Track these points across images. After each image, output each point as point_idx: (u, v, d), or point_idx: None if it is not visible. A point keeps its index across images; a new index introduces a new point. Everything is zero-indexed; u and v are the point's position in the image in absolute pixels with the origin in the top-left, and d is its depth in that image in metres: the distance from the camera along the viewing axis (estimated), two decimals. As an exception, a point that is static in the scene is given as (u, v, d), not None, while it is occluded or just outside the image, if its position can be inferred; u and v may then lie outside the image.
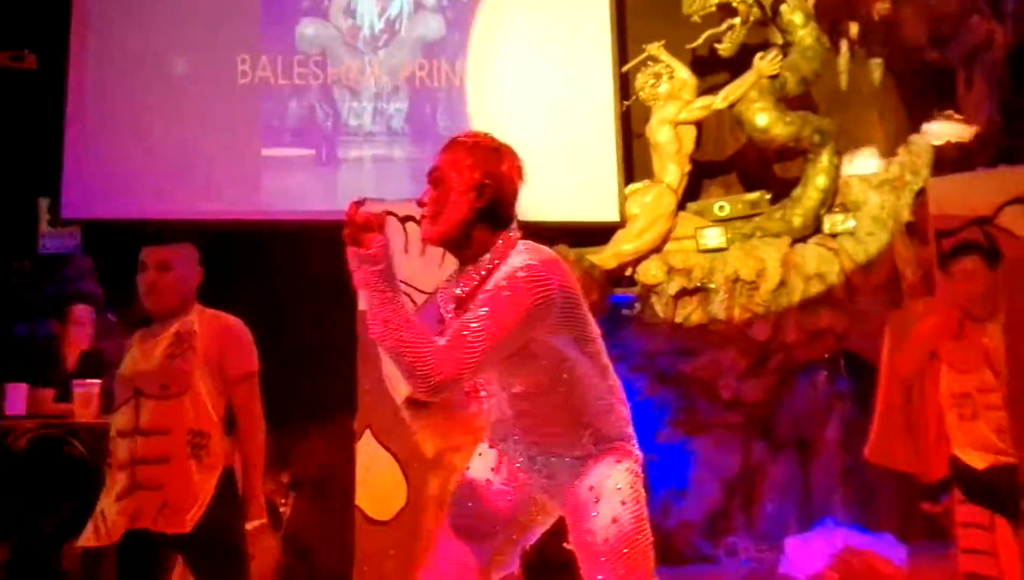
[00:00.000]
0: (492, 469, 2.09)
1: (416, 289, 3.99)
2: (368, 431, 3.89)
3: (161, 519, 2.57)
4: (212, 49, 5.06)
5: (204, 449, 2.60)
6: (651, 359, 4.87)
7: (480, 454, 2.14)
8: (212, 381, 2.63)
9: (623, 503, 1.95)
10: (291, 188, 5.02)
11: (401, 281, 4.17)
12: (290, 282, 4.28)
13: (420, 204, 2.00)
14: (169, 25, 5.05)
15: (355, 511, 3.83)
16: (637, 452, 2.04)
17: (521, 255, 1.93)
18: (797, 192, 5.16)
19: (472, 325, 1.83)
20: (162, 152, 4.90)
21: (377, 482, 3.80)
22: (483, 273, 1.94)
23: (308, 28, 5.22)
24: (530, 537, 2.14)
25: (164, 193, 4.84)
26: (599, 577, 1.94)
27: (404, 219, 4.03)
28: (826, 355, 4.89)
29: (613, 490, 1.96)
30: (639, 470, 2.02)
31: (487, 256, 1.96)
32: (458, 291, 1.98)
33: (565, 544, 2.06)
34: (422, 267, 3.93)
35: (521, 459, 2.07)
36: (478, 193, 1.95)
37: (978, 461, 3.06)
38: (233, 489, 2.68)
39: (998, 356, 3.01)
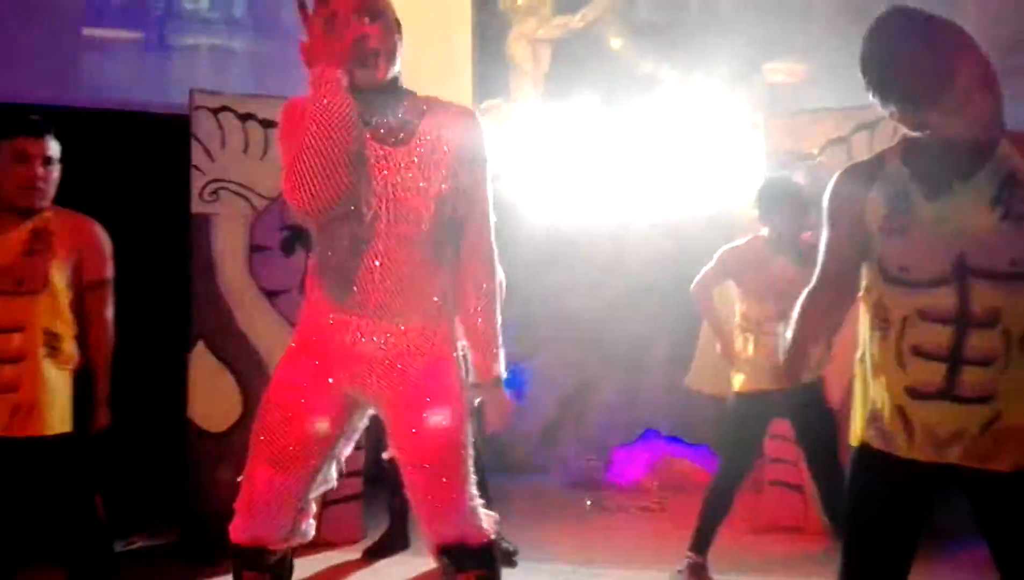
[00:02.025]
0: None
1: (256, 193, 3.79)
2: (201, 342, 3.71)
3: (15, 423, 2.48)
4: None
5: (59, 350, 2.55)
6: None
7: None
8: (68, 282, 2.58)
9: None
10: (115, 74, 4.56)
11: (241, 184, 3.98)
12: (114, 180, 3.92)
13: (367, 36, 1.88)
14: None
15: (187, 422, 3.68)
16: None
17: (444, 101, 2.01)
18: (645, 118, 5.27)
19: None
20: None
21: (211, 394, 3.66)
22: (424, 107, 1.97)
23: None
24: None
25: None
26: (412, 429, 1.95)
27: (244, 117, 3.78)
28: (659, 278, 5.11)
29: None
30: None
31: (408, 91, 2.00)
32: (391, 116, 1.95)
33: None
34: (262, 169, 3.73)
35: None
36: (400, 30, 1.99)
37: (753, 383, 3.30)
38: (88, 392, 2.63)
39: (782, 285, 3.23)
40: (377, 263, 1.92)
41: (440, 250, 1.99)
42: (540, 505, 4.57)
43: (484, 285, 2.02)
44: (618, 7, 5.14)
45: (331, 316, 1.96)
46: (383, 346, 1.95)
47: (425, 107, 1.99)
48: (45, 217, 2.59)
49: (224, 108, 3.77)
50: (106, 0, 4.61)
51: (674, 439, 4.99)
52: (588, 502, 4.58)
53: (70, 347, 2.59)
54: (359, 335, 1.94)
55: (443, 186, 1.95)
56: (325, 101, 1.80)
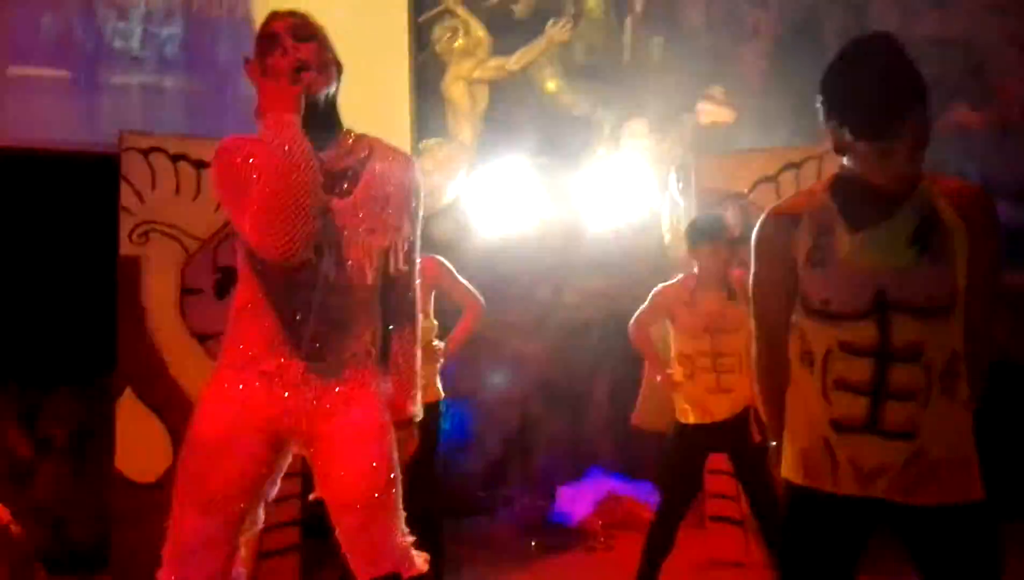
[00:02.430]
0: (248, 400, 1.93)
1: (188, 234, 3.70)
2: (129, 389, 3.59)
3: None
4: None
5: None
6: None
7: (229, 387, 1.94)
8: None
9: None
10: (42, 113, 4.43)
11: (172, 225, 3.89)
12: (40, 221, 3.80)
13: (299, 56, 1.87)
14: None
15: (115, 474, 3.53)
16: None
17: (384, 144, 2.02)
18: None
19: None
20: None
21: (139, 443, 3.52)
22: (365, 152, 1.97)
23: (66, -69, 4.60)
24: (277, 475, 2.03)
25: None
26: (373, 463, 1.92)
27: (175, 157, 3.71)
28: (599, 315, 5.16)
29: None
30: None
31: (350, 132, 1.99)
32: (338, 154, 1.94)
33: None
34: (195, 211, 3.65)
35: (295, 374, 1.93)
36: (337, 65, 1.99)
37: (690, 417, 3.37)
38: None
39: (714, 321, 3.33)
40: (311, 311, 1.90)
41: (374, 297, 2.00)
42: (486, 547, 4.50)
43: (409, 328, 2.06)
44: (554, 50, 5.24)
45: (259, 358, 1.92)
46: (313, 389, 1.93)
47: (366, 152, 1.99)
48: None
49: (155, 149, 3.69)
50: (34, 37, 4.49)
51: (618, 476, 5.00)
52: (532, 543, 4.54)
53: None
54: (289, 378, 1.92)
55: (387, 239, 1.97)
56: (286, 147, 1.78)
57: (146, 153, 3.68)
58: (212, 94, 4.76)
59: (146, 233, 3.66)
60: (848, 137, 1.67)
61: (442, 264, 3.47)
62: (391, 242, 1.97)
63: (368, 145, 2.00)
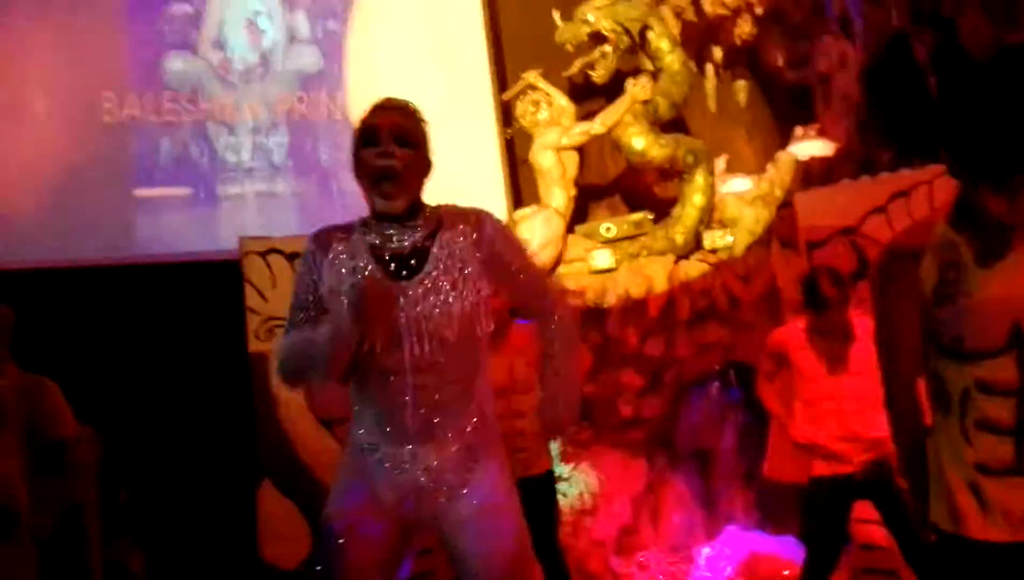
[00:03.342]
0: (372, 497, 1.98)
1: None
2: (267, 480, 3.72)
3: None
4: (73, 86, 4.78)
5: (15, 526, 2.27)
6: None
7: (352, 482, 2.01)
8: (19, 449, 2.35)
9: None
10: (168, 229, 4.77)
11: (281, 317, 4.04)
12: (175, 327, 4.06)
13: (390, 160, 1.93)
14: (25, 60, 4.74)
15: (261, 562, 3.65)
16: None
17: (454, 209, 2.05)
18: (677, 211, 5.34)
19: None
20: (23, 197, 4.57)
21: (281, 531, 3.64)
22: (436, 225, 1.99)
23: (176, 62, 5.02)
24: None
25: (27, 241, 4.50)
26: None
27: (291, 256, 3.91)
28: (716, 367, 5.05)
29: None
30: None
31: (428, 207, 2.02)
32: (406, 243, 1.97)
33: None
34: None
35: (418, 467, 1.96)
36: (429, 162, 2.03)
37: (822, 468, 3.22)
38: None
39: (835, 365, 3.20)
40: (407, 397, 1.93)
41: (471, 364, 2.00)
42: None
43: (565, 342, 2.10)
44: (637, 108, 5.29)
45: (373, 448, 1.97)
46: (428, 472, 1.95)
47: (437, 225, 2.01)
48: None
49: (272, 250, 3.91)
50: (154, 160, 4.87)
51: (758, 532, 4.80)
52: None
53: (28, 520, 2.32)
54: (404, 464, 1.95)
55: (465, 303, 1.96)
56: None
57: (264, 255, 3.89)
58: (318, 193, 5.03)
59: (271, 329, 3.84)
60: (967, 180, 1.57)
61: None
62: (472, 306, 1.97)
63: (438, 217, 2.02)
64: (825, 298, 3.21)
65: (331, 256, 1.98)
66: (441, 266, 1.96)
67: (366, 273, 1.93)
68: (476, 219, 2.03)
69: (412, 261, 1.96)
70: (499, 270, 2.02)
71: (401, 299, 1.92)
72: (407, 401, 1.93)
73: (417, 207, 2.01)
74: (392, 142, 1.94)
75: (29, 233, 4.51)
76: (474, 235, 2.00)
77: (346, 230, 2.02)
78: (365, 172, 1.96)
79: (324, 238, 2.02)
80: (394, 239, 1.96)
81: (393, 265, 1.95)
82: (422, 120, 2.03)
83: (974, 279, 1.59)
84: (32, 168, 4.61)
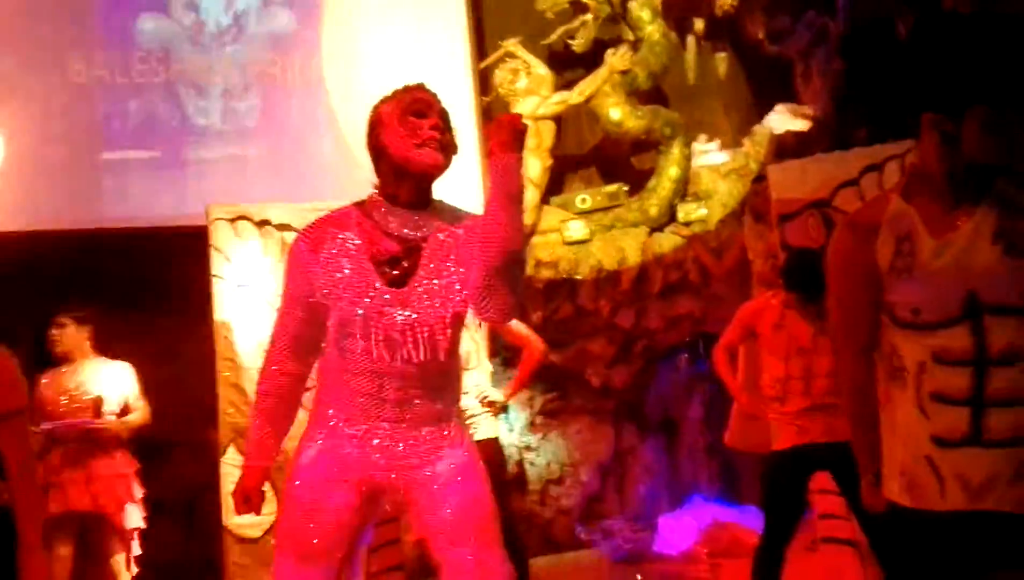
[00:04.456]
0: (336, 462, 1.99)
1: (277, 295, 3.84)
2: (233, 445, 3.72)
3: None
4: (42, 45, 4.69)
5: None
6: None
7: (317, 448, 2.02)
8: None
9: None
10: (135, 193, 4.72)
11: (261, 288, 4.03)
12: (141, 292, 4.03)
13: (442, 134, 1.93)
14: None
15: (223, 530, 3.66)
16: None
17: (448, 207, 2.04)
18: (652, 183, 5.34)
19: None
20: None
21: (244, 498, 3.64)
22: (432, 225, 1.98)
23: (148, 23, 4.93)
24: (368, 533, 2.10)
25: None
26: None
27: (260, 223, 3.87)
28: (686, 339, 5.08)
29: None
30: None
31: (436, 202, 2.01)
32: (405, 232, 1.97)
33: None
34: (280, 271, 3.78)
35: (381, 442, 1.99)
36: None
37: (784, 441, 3.25)
38: (9, 533, 2.26)
39: (808, 342, 3.21)
40: (392, 381, 1.96)
41: (453, 354, 2.04)
42: (590, 582, 4.46)
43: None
44: (616, 79, 5.25)
45: (346, 422, 1.99)
46: (399, 444, 1.98)
47: (435, 223, 2.00)
48: None
49: (240, 217, 3.87)
50: (122, 123, 4.80)
51: (721, 501, 4.87)
52: (638, 577, 4.45)
53: None
54: (375, 438, 1.98)
55: (453, 309, 1.97)
56: None
57: (232, 221, 3.86)
58: (289, 157, 4.97)
59: (237, 297, 3.82)
60: (971, 118, 1.55)
61: None
62: (458, 312, 1.98)
63: (436, 213, 2.00)
64: (797, 280, 3.24)
65: (322, 257, 1.97)
66: (432, 267, 1.97)
67: (365, 284, 1.94)
68: (472, 220, 2.03)
69: (404, 263, 1.97)
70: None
71: (395, 306, 1.94)
72: (390, 387, 1.96)
73: (428, 195, 2.00)
74: (440, 121, 1.96)
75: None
76: (466, 234, 2.00)
77: (338, 223, 2.00)
78: (408, 139, 1.93)
79: (314, 236, 1.99)
80: (392, 227, 1.96)
81: (387, 267, 1.95)
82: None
83: (928, 250, 1.61)
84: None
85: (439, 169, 1.95)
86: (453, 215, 2.02)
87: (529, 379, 3.56)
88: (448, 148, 1.95)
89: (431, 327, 1.94)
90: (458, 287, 1.96)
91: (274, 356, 2.06)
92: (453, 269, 1.97)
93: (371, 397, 1.97)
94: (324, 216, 2.05)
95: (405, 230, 1.96)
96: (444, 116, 1.98)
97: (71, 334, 3.68)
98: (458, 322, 2.00)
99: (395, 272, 1.95)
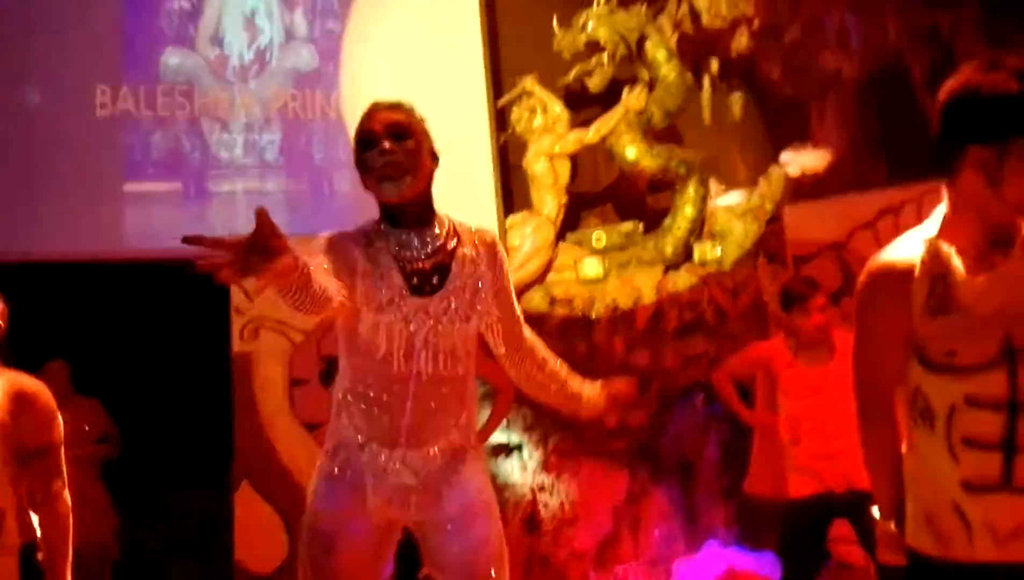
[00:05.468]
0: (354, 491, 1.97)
1: (293, 328, 3.87)
2: (246, 481, 3.71)
3: None
4: (68, 78, 4.77)
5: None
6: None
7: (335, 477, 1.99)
8: (5, 452, 2.20)
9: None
10: (157, 224, 4.76)
11: (278, 321, 4.08)
12: (158, 324, 4.05)
13: (390, 154, 1.91)
14: (22, 51, 4.73)
15: (234, 566, 3.65)
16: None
17: (468, 227, 2.05)
18: (667, 222, 5.35)
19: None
20: (13, 188, 4.56)
21: (257, 534, 3.63)
22: (453, 241, 1.99)
23: (173, 58, 5.01)
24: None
25: (16, 232, 4.49)
26: None
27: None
28: (701, 379, 5.05)
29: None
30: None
31: (440, 216, 2.01)
32: (428, 250, 1.96)
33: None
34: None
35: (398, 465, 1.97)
36: (433, 154, 2.01)
37: (802, 488, 3.21)
38: (36, 571, 2.25)
39: (821, 382, 3.19)
40: (409, 404, 1.96)
41: (469, 374, 2.04)
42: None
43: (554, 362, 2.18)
44: (631, 118, 5.29)
45: (362, 446, 1.97)
46: (417, 473, 1.96)
47: (454, 242, 2.01)
48: None
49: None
50: (145, 154, 4.86)
51: (738, 547, 4.80)
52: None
53: (12, 524, 2.18)
54: (392, 464, 1.96)
55: (481, 326, 2.01)
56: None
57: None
58: (309, 192, 5.02)
59: (256, 330, 3.84)
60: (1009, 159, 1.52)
61: None
62: (486, 327, 2.02)
63: (455, 233, 2.02)
64: (793, 294, 3.25)
65: (365, 252, 1.95)
66: (459, 283, 1.98)
67: (393, 290, 1.93)
68: (491, 240, 2.08)
69: (434, 279, 1.97)
70: (498, 294, 2.05)
71: (421, 314, 1.94)
72: (406, 407, 1.96)
73: (429, 210, 2.01)
74: (389, 138, 1.93)
75: (19, 225, 4.50)
76: (488, 256, 2.03)
77: (360, 236, 1.98)
78: (370, 175, 1.94)
79: (351, 236, 1.97)
80: (413, 247, 1.96)
81: (416, 279, 1.95)
82: (415, 113, 2.02)
83: (965, 291, 1.58)
84: (24, 160, 4.60)
85: (403, 197, 1.94)
86: (468, 232, 2.04)
87: (498, 425, 3.59)
88: (407, 164, 1.92)
89: (453, 339, 1.96)
90: (479, 307, 1.99)
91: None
92: (477, 287, 2.00)
93: (383, 418, 1.95)
94: (341, 231, 2.02)
95: (423, 249, 1.97)
96: (393, 127, 1.95)
97: None
98: (479, 340, 2.02)
99: (425, 286, 1.96)
